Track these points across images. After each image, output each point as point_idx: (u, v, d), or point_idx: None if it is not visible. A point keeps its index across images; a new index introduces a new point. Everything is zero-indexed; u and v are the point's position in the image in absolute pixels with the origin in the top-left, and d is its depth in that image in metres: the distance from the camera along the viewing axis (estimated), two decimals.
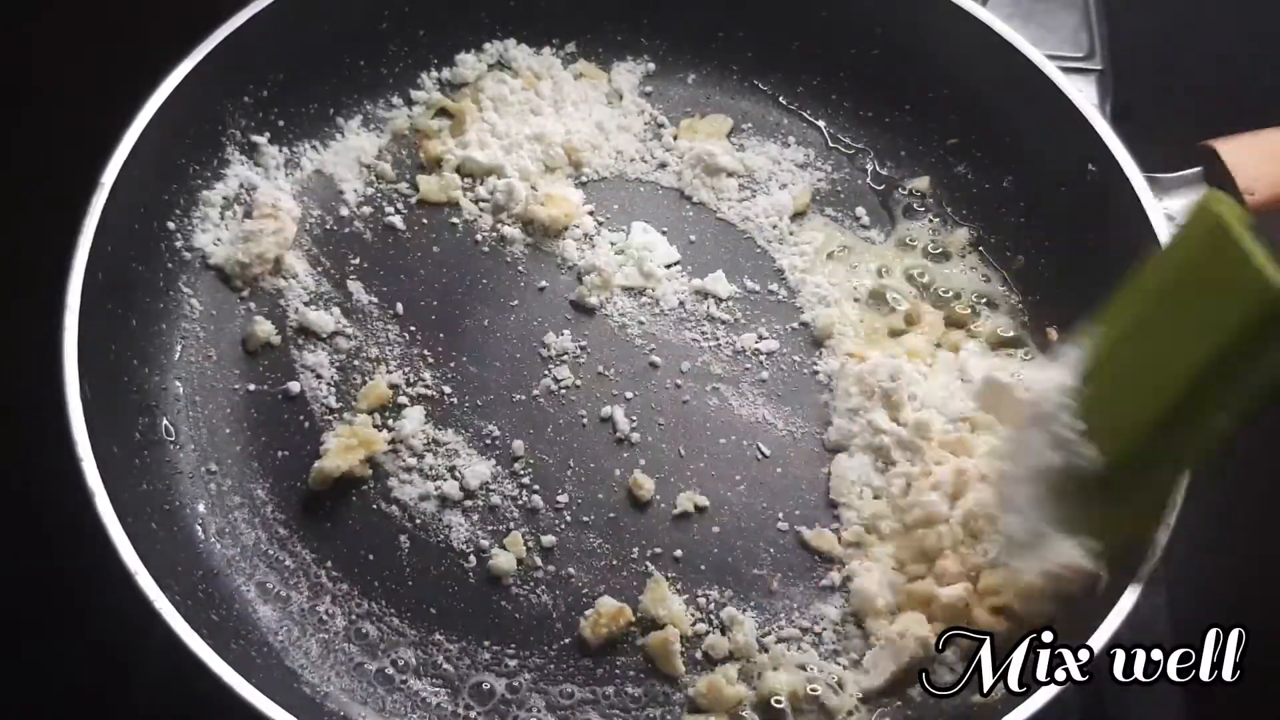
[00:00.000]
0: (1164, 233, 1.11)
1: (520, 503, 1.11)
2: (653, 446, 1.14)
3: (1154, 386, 0.91)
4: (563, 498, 1.11)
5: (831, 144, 1.31)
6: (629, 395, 1.16)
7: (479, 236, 1.24)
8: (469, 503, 1.11)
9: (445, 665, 1.05)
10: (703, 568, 1.09)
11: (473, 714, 1.03)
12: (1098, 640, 0.97)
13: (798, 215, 1.27)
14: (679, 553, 1.10)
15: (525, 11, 1.33)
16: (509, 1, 1.32)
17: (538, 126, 1.27)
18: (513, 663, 1.05)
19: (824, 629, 1.07)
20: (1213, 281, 0.89)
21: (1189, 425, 0.91)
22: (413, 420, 1.13)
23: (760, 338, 1.20)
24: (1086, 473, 0.95)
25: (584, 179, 1.27)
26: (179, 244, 1.19)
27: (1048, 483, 0.97)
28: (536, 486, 1.12)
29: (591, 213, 1.25)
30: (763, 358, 1.19)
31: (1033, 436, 0.98)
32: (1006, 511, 1.01)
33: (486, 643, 1.06)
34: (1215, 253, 0.88)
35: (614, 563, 1.09)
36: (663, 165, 1.29)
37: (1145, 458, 0.93)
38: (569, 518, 1.11)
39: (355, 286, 1.20)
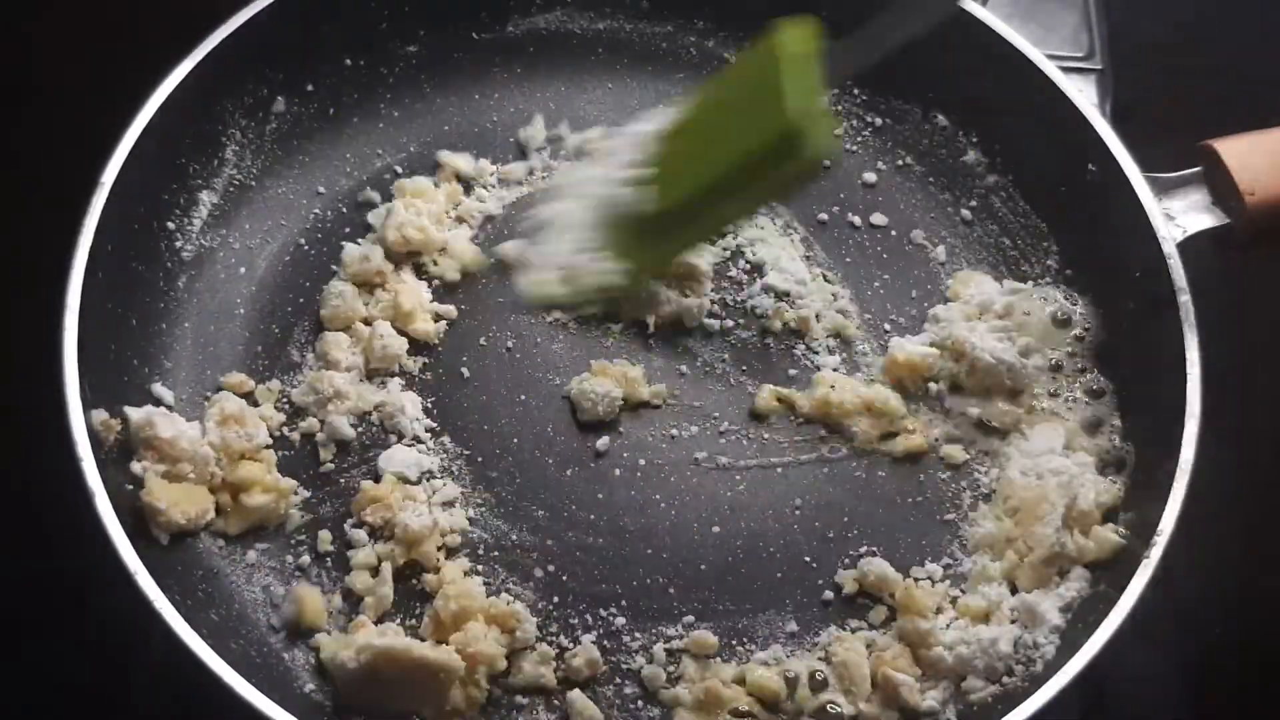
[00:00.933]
0: (1165, 232, 1.11)
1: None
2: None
3: (703, 164, 1.11)
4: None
5: None
6: None
7: None
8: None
9: None
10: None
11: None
12: (1099, 639, 0.97)
13: None
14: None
15: (523, 11, 1.33)
16: (509, 1, 1.32)
17: None
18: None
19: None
20: (758, 98, 1.06)
21: (718, 199, 1.10)
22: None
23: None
24: (640, 210, 1.14)
25: None
26: (179, 244, 1.19)
27: (608, 213, 1.17)
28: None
29: None
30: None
31: (610, 172, 1.18)
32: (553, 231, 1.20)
33: None
34: (765, 70, 1.06)
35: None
36: None
37: (682, 214, 1.12)
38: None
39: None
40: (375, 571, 1.07)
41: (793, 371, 1.19)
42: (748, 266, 1.23)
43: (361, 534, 1.08)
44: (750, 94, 1.08)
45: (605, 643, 1.07)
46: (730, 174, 1.08)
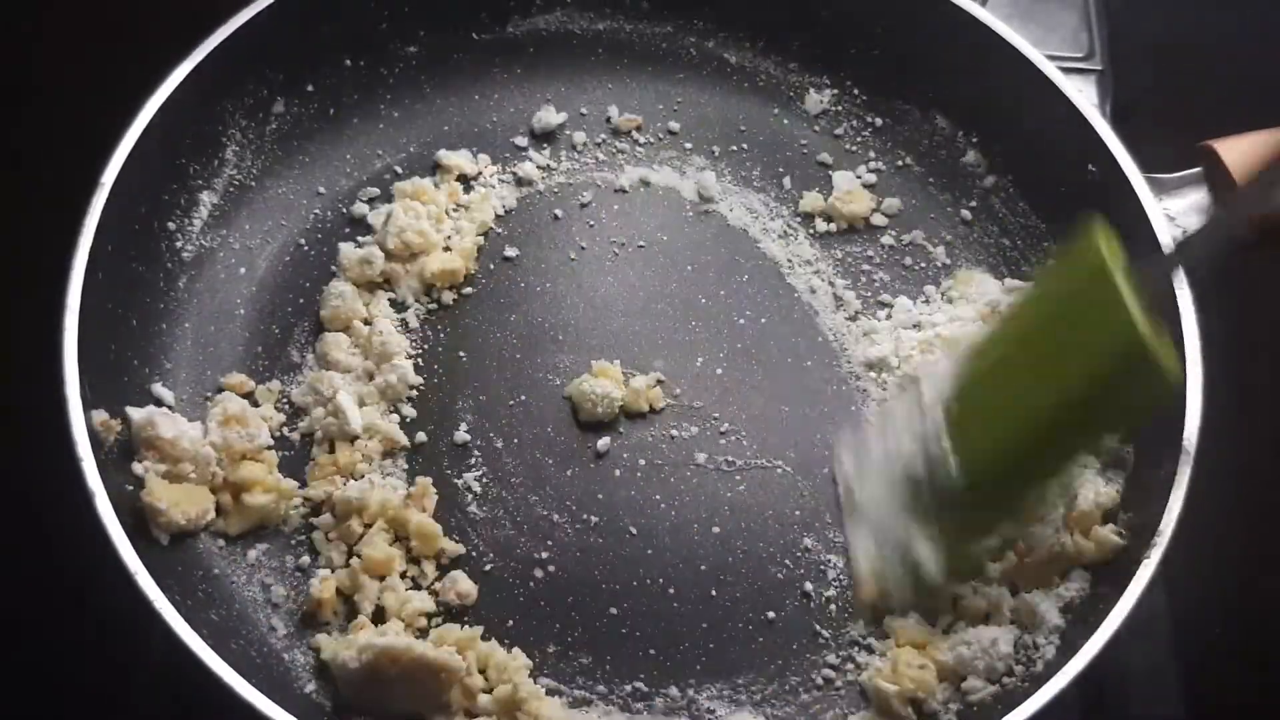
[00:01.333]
0: (1164, 232, 1.11)
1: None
2: None
3: (1019, 413, 0.92)
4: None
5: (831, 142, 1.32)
6: None
7: None
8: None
9: None
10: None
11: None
12: (1099, 639, 0.97)
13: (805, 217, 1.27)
14: None
15: (522, 11, 1.33)
16: (509, 1, 1.32)
17: None
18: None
19: None
20: (1085, 320, 0.90)
21: (1046, 455, 0.93)
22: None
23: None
24: (945, 488, 0.94)
25: None
26: (179, 244, 1.18)
27: (905, 491, 0.98)
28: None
29: None
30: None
31: (904, 443, 0.98)
32: (857, 518, 1.01)
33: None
34: (1091, 291, 0.89)
35: None
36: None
37: (1002, 481, 0.94)
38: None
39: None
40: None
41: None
42: None
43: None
44: (1076, 316, 0.91)
45: (606, 642, 1.07)
46: (1050, 416, 0.90)
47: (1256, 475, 1.25)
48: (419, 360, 1.17)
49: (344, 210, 1.24)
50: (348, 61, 1.28)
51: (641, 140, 1.30)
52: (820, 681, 1.06)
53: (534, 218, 1.26)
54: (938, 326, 1.19)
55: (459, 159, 1.26)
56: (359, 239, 1.22)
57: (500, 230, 1.24)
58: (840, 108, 1.32)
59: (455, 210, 1.24)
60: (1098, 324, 0.89)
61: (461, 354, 1.18)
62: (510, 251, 1.23)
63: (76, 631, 1.13)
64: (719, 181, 1.28)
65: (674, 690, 1.05)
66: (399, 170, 1.27)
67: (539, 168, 1.28)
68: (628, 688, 1.05)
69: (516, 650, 1.04)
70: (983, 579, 1.06)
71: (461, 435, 1.14)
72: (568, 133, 1.30)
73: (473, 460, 1.13)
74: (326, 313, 1.17)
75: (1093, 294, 0.89)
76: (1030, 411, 0.91)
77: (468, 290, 1.21)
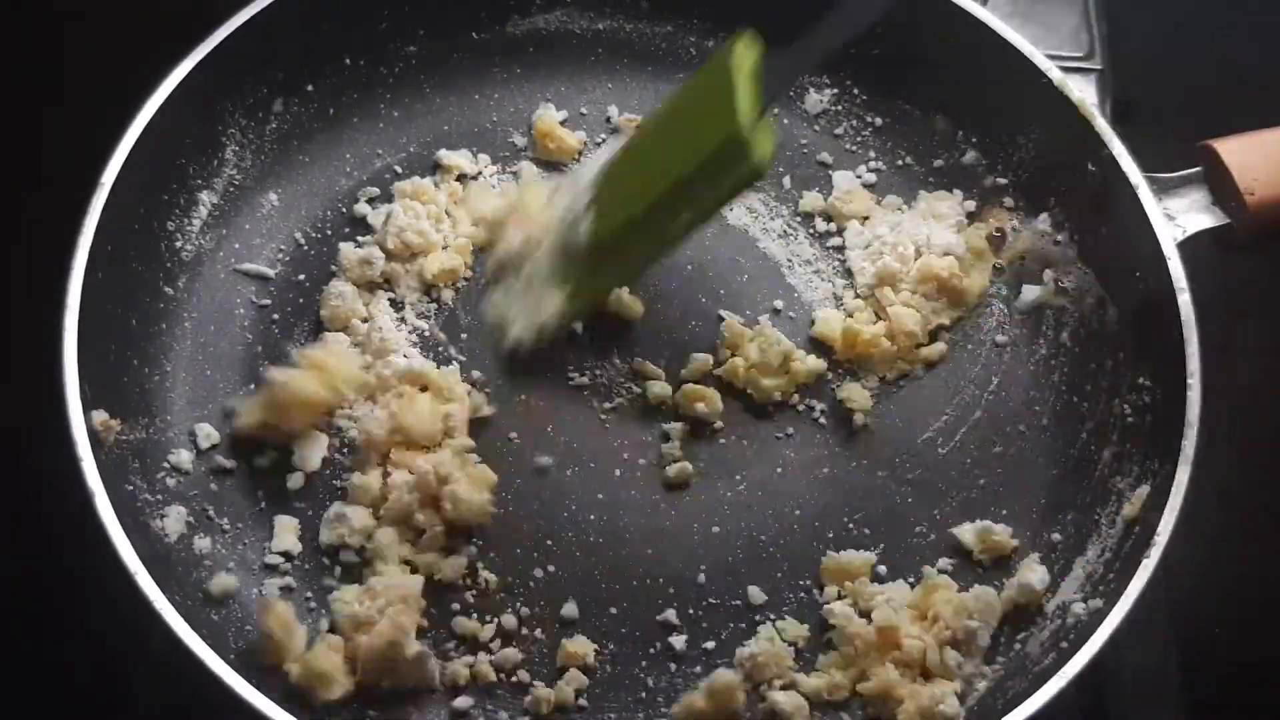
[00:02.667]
0: (1164, 232, 1.11)
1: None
2: None
3: (644, 185, 1.10)
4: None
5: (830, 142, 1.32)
6: None
7: None
8: None
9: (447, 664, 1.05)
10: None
11: (471, 709, 1.04)
12: (1099, 639, 0.97)
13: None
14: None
15: (522, 11, 1.33)
16: (509, 1, 1.32)
17: None
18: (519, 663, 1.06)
19: None
20: (705, 107, 1.07)
21: (662, 219, 1.09)
22: None
23: None
24: (582, 245, 1.13)
25: None
26: (179, 244, 1.18)
27: (551, 254, 1.16)
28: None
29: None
30: None
31: (555, 218, 1.17)
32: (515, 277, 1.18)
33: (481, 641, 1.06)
34: (713, 83, 1.06)
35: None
36: None
37: (628, 239, 1.11)
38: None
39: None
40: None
41: None
42: None
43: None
44: (698, 110, 1.09)
45: (605, 643, 1.07)
46: (666, 192, 1.08)
47: (1256, 475, 1.25)
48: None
49: (344, 210, 1.24)
50: (348, 61, 1.28)
51: None
52: None
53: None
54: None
55: (459, 159, 1.26)
56: (359, 239, 1.22)
57: (499, 230, 1.24)
58: (840, 108, 1.32)
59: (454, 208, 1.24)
60: (707, 112, 1.06)
61: (462, 355, 1.18)
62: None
63: (76, 632, 1.13)
64: None
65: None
66: (399, 170, 1.27)
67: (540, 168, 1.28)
68: (624, 689, 1.06)
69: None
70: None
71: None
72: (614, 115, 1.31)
73: (472, 460, 1.13)
74: (326, 312, 1.17)
75: (710, 87, 1.07)
76: (647, 184, 1.09)
77: (467, 290, 1.21)
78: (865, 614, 1.06)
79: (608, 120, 1.31)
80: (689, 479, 1.13)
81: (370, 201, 1.24)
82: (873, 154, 1.30)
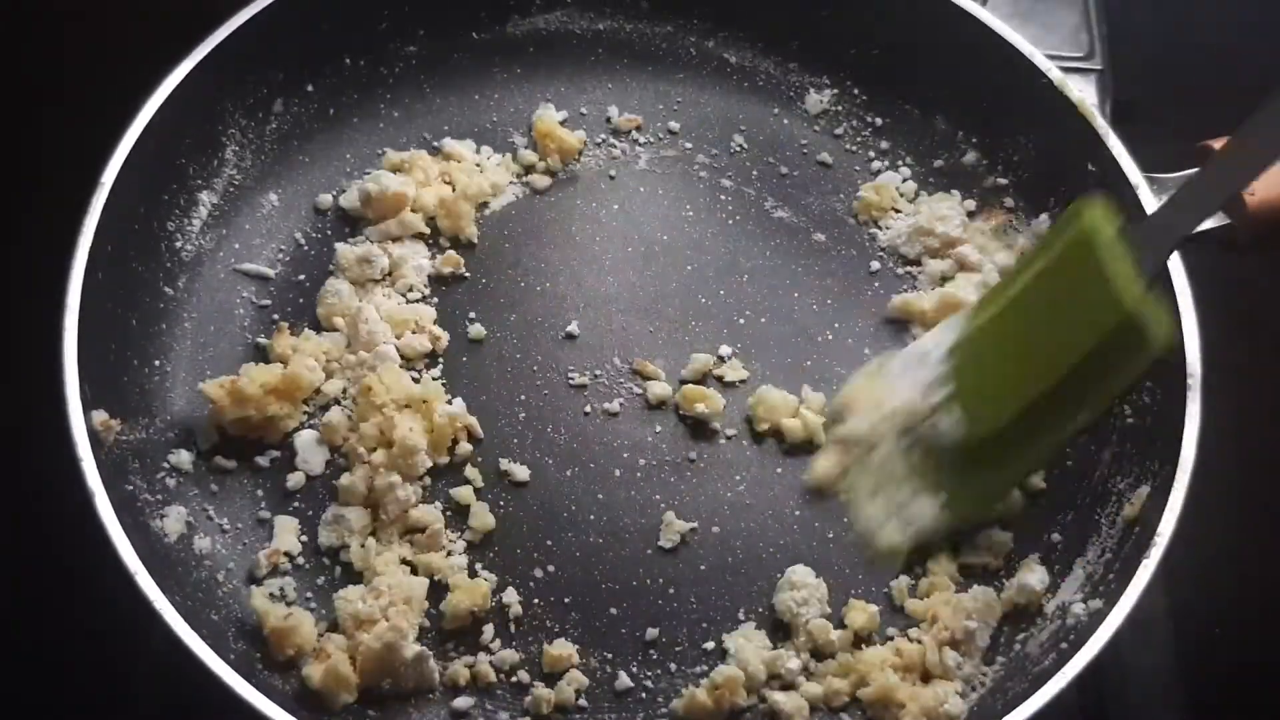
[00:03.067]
0: None
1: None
2: None
3: (1018, 379, 0.99)
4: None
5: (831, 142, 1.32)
6: None
7: None
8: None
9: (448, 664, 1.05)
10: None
11: (471, 709, 1.04)
12: (1099, 639, 0.97)
13: None
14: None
15: (522, 10, 1.33)
16: (509, 1, 1.32)
17: None
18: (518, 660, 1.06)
19: None
20: (1080, 290, 0.96)
21: (1046, 417, 0.98)
22: None
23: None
24: (945, 439, 1.01)
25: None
26: (179, 244, 1.19)
27: (912, 449, 1.03)
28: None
29: None
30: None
31: (903, 392, 1.05)
32: (865, 489, 1.06)
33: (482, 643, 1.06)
34: (1082, 262, 0.95)
35: None
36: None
37: (1004, 442, 1.00)
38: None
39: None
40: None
41: None
42: None
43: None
44: (1068, 287, 0.98)
45: (605, 642, 1.07)
46: (1051, 387, 0.97)
47: (1256, 475, 1.24)
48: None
49: (344, 210, 1.24)
50: (348, 61, 1.28)
51: (641, 140, 1.30)
52: None
53: (533, 217, 1.26)
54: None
55: (462, 149, 1.26)
56: (352, 239, 1.22)
57: (500, 230, 1.24)
58: (840, 108, 1.32)
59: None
60: (1084, 296, 0.94)
61: (463, 356, 1.18)
62: (509, 250, 1.23)
63: (76, 632, 1.13)
64: (719, 181, 1.28)
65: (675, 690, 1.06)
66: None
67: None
68: (620, 687, 1.06)
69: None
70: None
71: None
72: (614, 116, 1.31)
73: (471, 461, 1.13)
74: (322, 310, 1.17)
75: (1079, 267, 0.96)
76: (1022, 377, 0.97)
77: (467, 289, 1.21)
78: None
79: (608, 120, 1.31)
80: (689, 480, 1.13)
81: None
82: (873, 154, 1.30)
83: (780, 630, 1.07)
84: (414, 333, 1.17)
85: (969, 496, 1.04)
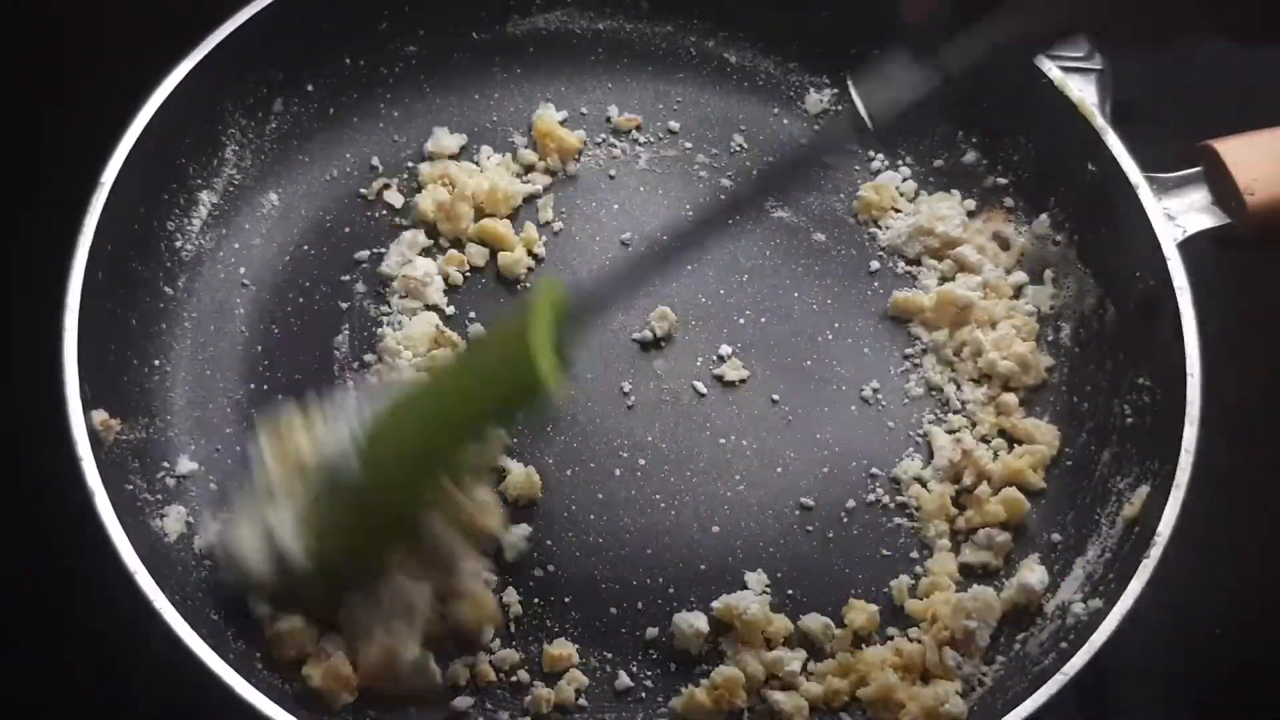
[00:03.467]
0: (1165, 232, 1.11)
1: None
2: None
3: (425, 426, 1.01)
4: None
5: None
6: None
7: None
8: None
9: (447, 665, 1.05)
10: None
11: (471, 709, 1.04)
12: (1100, 638, 0.97)
13: None
14: None
15: (522, 10, 1.33)
16: (509, 1, 1.32)
17: None
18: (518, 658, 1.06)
19: None
20: (502, 355, 0.99)
21: (436, 451, 1.01)
22: None
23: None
24: (343, 480, 1.00)
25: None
26: (178, 244, 1.19)
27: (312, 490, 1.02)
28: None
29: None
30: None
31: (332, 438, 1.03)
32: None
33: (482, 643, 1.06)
34: (513, 330, 0.96)
35: None
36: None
37: (395, 473, 1.01)
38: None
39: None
40: None
41: None
42: None
43: None
44: (490, 353, 1.04)
45: (605, 642, 1.07)
46: (450, 427, 1.00)
47: (1256, 476, 1.24)
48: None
49: (344, 210, 1.24)
50: (348, 61, 1.28)
51: (641, 140, 1.30)
52: None
53: (533, 217, 1.25)
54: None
55: (452, 141, 1.27)
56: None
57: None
58: (840, 108, 1.32)
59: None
60: (509, 355, 0.96)
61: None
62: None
63: (76, 631, 1.13)
64: (719, 181, 1.28)
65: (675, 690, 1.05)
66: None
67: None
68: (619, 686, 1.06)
69: None
70: None
71: None
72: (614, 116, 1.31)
73: None
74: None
75: (506, 329, 1.00)
76: (429, 424, 1.00)
77: (466, 289, 1.21)
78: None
79: (608, 120, 1.31)
80: (689, 480, 1.13)
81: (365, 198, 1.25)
82: (872, 154, 1.30)
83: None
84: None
85: (343, 533, 1.02)
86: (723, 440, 1.15)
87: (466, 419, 1.00)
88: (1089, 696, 1.11)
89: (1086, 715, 1.11)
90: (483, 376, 1.00)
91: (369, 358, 1.16)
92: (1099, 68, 1.36)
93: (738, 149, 1.30)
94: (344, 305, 1.20)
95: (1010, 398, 1.16)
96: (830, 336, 1.21)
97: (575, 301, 0.97)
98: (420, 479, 1.02)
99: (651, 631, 1.07)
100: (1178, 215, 1.13)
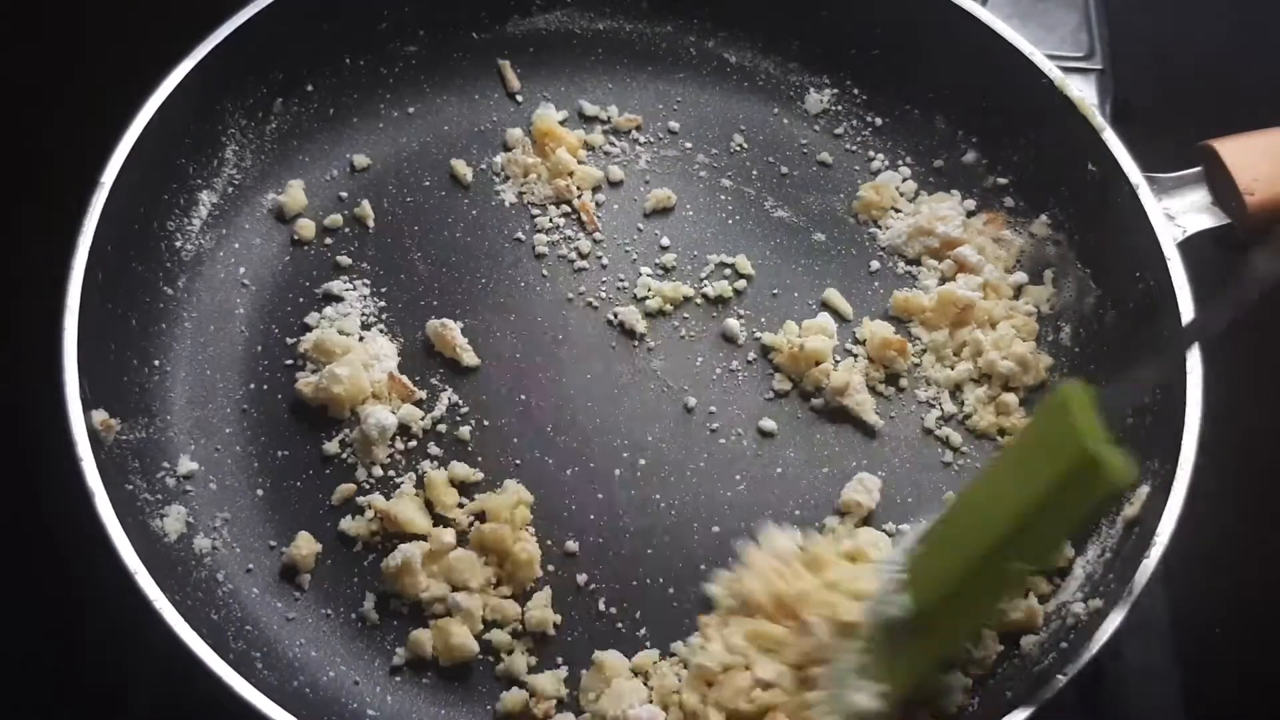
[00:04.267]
0: (1164, 232, 1.11)
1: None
2: None
3: (971, 537, 0.95)
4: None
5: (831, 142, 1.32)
6: None
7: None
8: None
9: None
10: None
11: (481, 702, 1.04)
12: (1099, 639, 0.97)
13: None
14: None
15: (523, 10, 1.33)
16: (509, 1, 1.32)
17: None
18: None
19: None
20: (1040, 452, 0.93)
21: (995, 571, 0.94)
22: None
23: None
24: (895, 620, 0.96)
25: None
26: (178, 244, 1.19)
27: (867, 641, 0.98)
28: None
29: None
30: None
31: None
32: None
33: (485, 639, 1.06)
34: (1049, 430, 0.93)
35: None
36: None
37: (952, 602, 0.96)
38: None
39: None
40: None
41: None
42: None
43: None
44: (1031, 449, 0.96)
45: (604, 642, 1.07)
46: (998, 539, 0.93)
47: (1256, 475, 1.25)
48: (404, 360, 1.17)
49: (344, 209, 1.24)
50: (347, 61, 1.28)
51: (641, 140, 1.30)
52: None
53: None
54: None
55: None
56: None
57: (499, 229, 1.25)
58: (840, 108, 1.32)
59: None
60: (1046, 448, 0.92)
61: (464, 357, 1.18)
62: (509, 250, 1.24)
63: (76, 631, 1.13)
64: (719, 181, 1.28)
65: None
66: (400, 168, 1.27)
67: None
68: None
69: None
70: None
71: (463, 433, 1.14)
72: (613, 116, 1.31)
73: (472, 459, 1.13)
74: None
75: (1045, 430, 0.95)
76: (982, 532, 0.94)
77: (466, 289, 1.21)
78: None
79: (607, 120, 1.31)
80: (689, 480, 1.14)
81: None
82: (872, 154, 1.30)
83: None
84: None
85: (910, 666, 0.98)
86: (723, 440, 1.15)
87: (1013, 517, 0.92)
88: (1089, 696, 1.11)
89: (1086, 715, 1.11)
90: (1021, 480, 0.94)
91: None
92: (1099, 68, 1.36)
93: (738, 149, 1.30)
94: None
95: (1010, 398, 1.16)
96: None
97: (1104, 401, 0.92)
98: (974, 586, 0.95)
99: (652, 632, 1.07)
100: (1177, 215, 1.13)
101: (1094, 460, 0.88)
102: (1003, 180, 1.27)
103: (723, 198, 1.27)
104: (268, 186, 1.24)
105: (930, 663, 1.00)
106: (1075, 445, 0.89)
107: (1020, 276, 1.22)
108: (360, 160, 1.27)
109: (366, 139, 1.28)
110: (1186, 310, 1.08)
